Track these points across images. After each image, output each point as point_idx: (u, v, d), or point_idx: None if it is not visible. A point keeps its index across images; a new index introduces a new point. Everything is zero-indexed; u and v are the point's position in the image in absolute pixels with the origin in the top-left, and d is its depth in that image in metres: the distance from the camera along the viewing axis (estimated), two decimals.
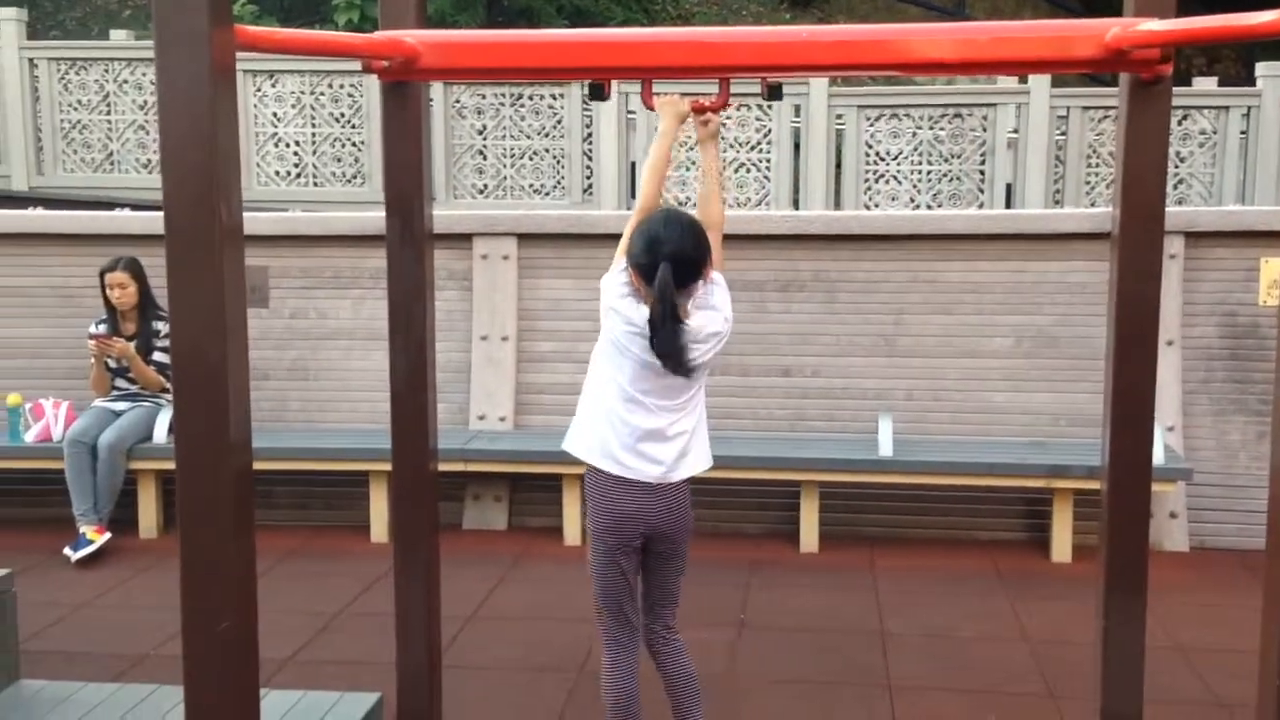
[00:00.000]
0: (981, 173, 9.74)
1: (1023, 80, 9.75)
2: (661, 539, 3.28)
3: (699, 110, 3.29)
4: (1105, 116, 9.72)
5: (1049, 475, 5.57)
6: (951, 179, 9.75)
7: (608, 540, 3.23)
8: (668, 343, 3.01)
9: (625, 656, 3.28)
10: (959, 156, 9.73)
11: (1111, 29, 2.61)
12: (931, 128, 9.74)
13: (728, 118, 9.83)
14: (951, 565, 5.58)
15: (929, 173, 9.75)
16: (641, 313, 3.06)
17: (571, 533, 5.90)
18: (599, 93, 3.10)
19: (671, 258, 2.99)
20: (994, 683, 4.27)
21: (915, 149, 9.77)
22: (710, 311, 3.16)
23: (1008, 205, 9.61)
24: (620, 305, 3.11)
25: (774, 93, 3.10)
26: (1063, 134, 9.82)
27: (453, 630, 4.60)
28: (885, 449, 5.65)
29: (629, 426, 3.15)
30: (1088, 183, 9.82)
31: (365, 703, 3.38)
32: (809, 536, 5.80)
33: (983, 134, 9.71)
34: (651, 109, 3.27)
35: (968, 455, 5.70)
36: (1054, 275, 6.06)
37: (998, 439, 5.98)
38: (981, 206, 9.55)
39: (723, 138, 9.82)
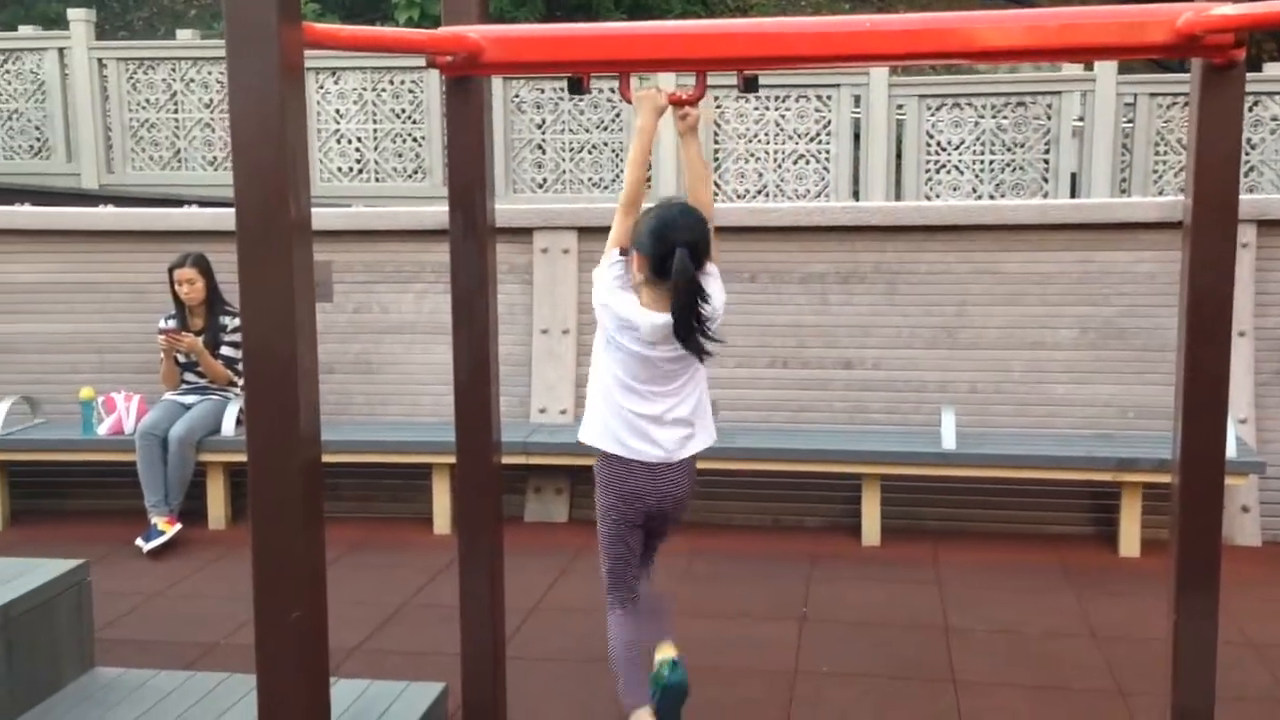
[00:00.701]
0: (1046, 162, 9.60)
1: (1088, 67, 9.60)
2: (660, 516, 3.45)
3: (677, 103, 3.28)
4: (1174, 103, 9.55)
5: (1117, 469, 5.48)
6: (1014, 169, 9.62)
7: (614, 517, 3.40)
8: (687, 327, 3.11)
9: (629, 616, 3.50)
10: (1022, 146, 9.60)
11: (1183, 14, 2.56)
12: (994, 116, 9.62)
13: (787, 109, 9.79)
14: (1017, 560, 5.51)
15: (991, 162, 9.64)
16: (630, 305, 3.18)
17: None
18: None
19: (688, 245, 3.10)
20: (1061, 679, 4.22)
21: (977, 138, 9.66)
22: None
23: (1072, 195, 9.47)
24: (612, 300, 3.21)
25: (750, 85, 3.08)
26: (1130, 121, 9.66)
27: (516, 622, 4.63)
28: (948, 442, 5.60)
29: (628, 413, 3.28)
30: (1155, 171, 9.64)
31: (430, 692, 3.42)
32: (871, 530, 5.76)
33: (1047, 122, 9.57)
34: (629, 103, 3.26)
35: (1033, 448, 5.63)
36: (1121, 265, 5.96)
37: (1063, 432, 5.90)
38: (1046, 196, 9.41)
39: (781, 129, 9.79)
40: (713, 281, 3.26)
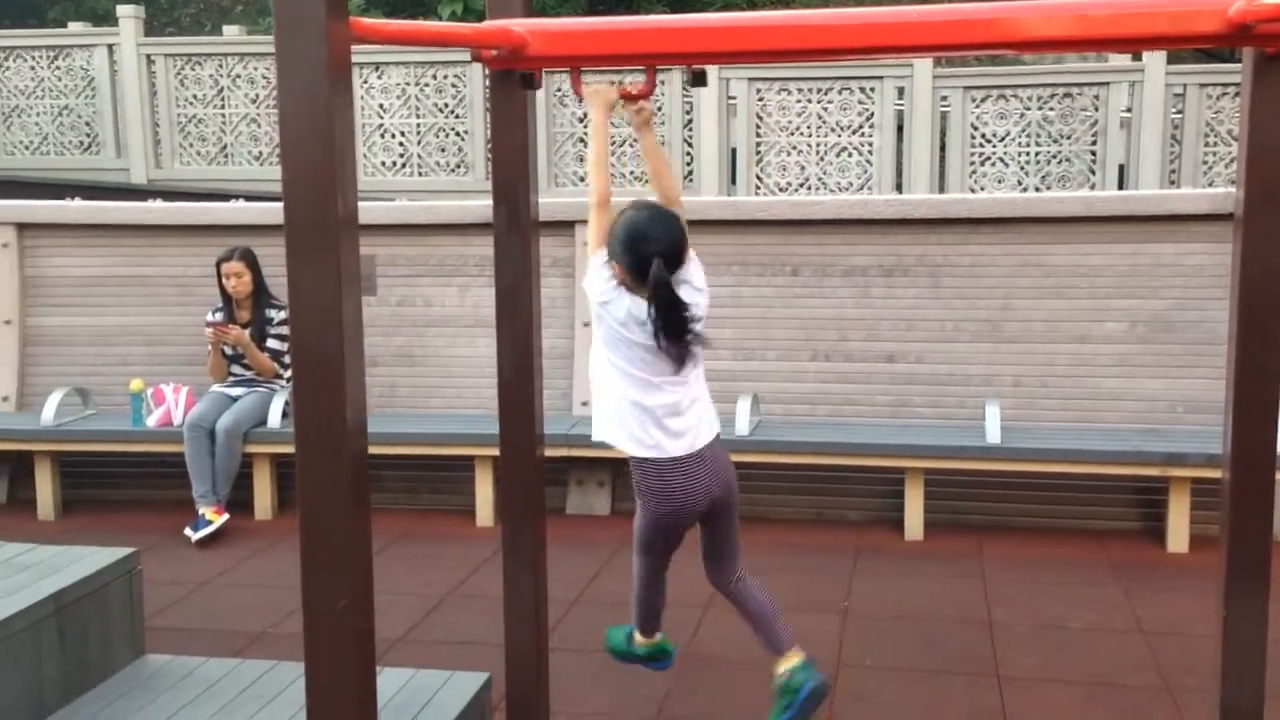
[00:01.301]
0: (1093, 153, 9.50)
1: (1136, 57, 9.48)
2: (717, 504, 3.39)
3: (627, 98, 3.24)
4: (1224, 94, 9.40)
5: (1165, 463, 5.42)
6: (1061, 160, 9.52)
7: (663, 520, 3.36)
8: (672, 334, 3.12)
9: (656, 581, 3.54)
10: (1069, 137, 9.50)
11: (1235, 3, 2.53)
12: (1040, 108, 9.53)
13: (830, 101, 9.74)
14: (1061, 555, 5.47)
15: (1037, 154, 9.54)
16: (630, 301, 3.16)
17: None
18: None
19: (662, 254, 3.10)
20: (1107, 675, 4.18)
21: (1023, 130, 9.56)
22: (687, 287, 3.23)
23: (1120, 187, 9.36)
24: (613, 298, 3.19)
25: (698, 79, 3.07)
26: (1179, 112, 9.53)
27: (558, 613, 4.65)
28: (993, 435, 5.56)
29: (649, 408, 3.24)
30: (1205, 162, 9.51)
31: (474, 682, 3.44)
32: (914, 524, 5.73)
33: (1094, 113, 9.46)
34: (581, 99, 3.25)
35: (1078, 442, 5.58)
36: (1170, 258, 5.89)
37: (1110, 426, 5.84)
38: (1093, 188, 9.31)
39: (823, 121, 9.75)
40: (694, 275, 3.25)
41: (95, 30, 11.59)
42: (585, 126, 10.20)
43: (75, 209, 7.05)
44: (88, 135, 11.18)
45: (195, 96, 10.81)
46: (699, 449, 3.32)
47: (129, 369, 6.55)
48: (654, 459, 3.29)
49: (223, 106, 10.80)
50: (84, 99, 11.15)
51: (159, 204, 7.55)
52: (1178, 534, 5.50)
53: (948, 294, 6.08)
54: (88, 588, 3.46)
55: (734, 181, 9.95)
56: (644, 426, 3.26)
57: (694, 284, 3.25)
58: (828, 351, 6.17)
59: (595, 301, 3.23)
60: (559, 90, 10.19)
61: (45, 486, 6.33)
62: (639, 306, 3.17)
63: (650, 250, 3.09)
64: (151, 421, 6.19)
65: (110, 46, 10.99)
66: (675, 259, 3.15)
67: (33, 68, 11.16)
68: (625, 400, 3.25)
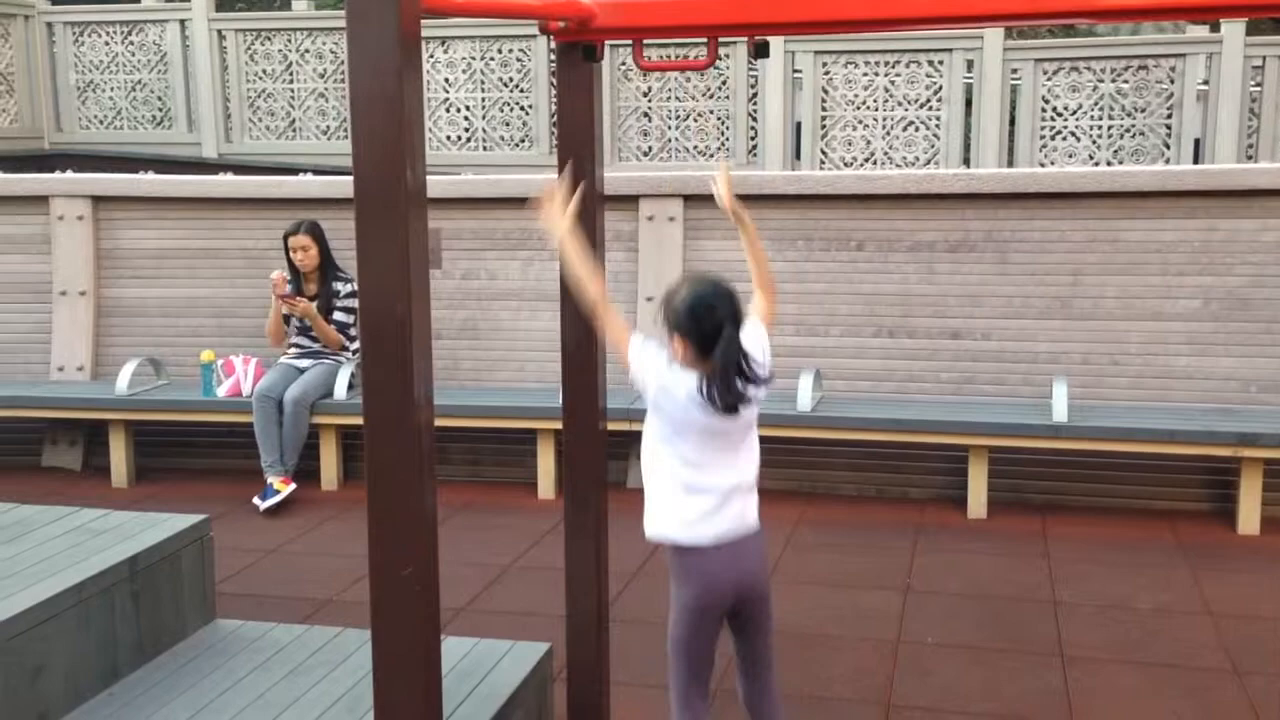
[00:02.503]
0: (1167, 127, 9.28)
1: (1215, 28, 9.23)
2: (754, 598, 3.07)
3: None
4: None
5: (1238, 443, 5.32)
6: (1134, 134, 9.32)
7: (703, 613, 3.00)
8: (725, 393, 2.84)
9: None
10: (1143, 110, 9.29)
11: None
12: (1114, 80, 9.32)
13: (897, 75, 9.61)
14: (1128, 535, 5.39)
15: (1110, 128, 9.35)
16: (696, 379, 2.87)
17: None
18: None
19: (732, 320, 2.84)
20: (1174, 656, 4.13)
21: (1095, 103, 9.37)
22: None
23: (1195, 161, 9.14)
24: (674, 383, 2.90)
25: (761, 50, 3.00)
26: (1258, 85, 9.27)
27: (618, 586, 4.68)
28: (1059, 414, 5.48)
29: (702, 493, 2.96)
30: None
31: (536, 652, 3.48)
32: (977, 502, 5.68)
33: (1169, 86, 9.24)
34: (644, 69, 3.11)
35: (1148, 421, 5.48)
36: (1246, 234, 5.75)
37: (1180, 405, 5.74)
38: (1167, 163, 9.10)
39: (890, 95, 9.62)
40: (758, 336, 3.04)
41: (168, 5, 11.75)
42: (649, 100, 10.18)
43: (148, 182, 7.18)
44: (160, 110, 11.36)
45: (264, 71, 10.93)
46: (752, 528, 3.04)
47: (200, 340, 6.67)
48: (701, 545, 2.97)
49: (291, 81, 10.91)
50: (157, 74, 11.32)
51: (229, 178, 7.66)
52: (1248, 515, 5.39)
53: (1015, 270, 5.99)
54: (161, 553, 3.55)
55: (798, 156, 9.87)
56: (707, 512, 2.97)
57: (760, 347, 3.02)
58: (892, 328, 6.12)
59: (656, 386, 2.92)
60: (623, 64, 10.16)
61: (119, 454, 6.48)
62: (703, 382, 2.88)
63: (719, 318, 2.85)
64: (221, 392, 6.30)
65: (182, 22, 11.13)
66: (739, 325, 2.89)
67: (107, 43, 11.35)
68: (685, 487, 2.96)
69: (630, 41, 2.99)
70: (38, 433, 6.82)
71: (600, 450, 3.34)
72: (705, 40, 3.01)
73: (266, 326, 6.36)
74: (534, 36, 10.19)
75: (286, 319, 6.33)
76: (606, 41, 3.14)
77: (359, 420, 2.23)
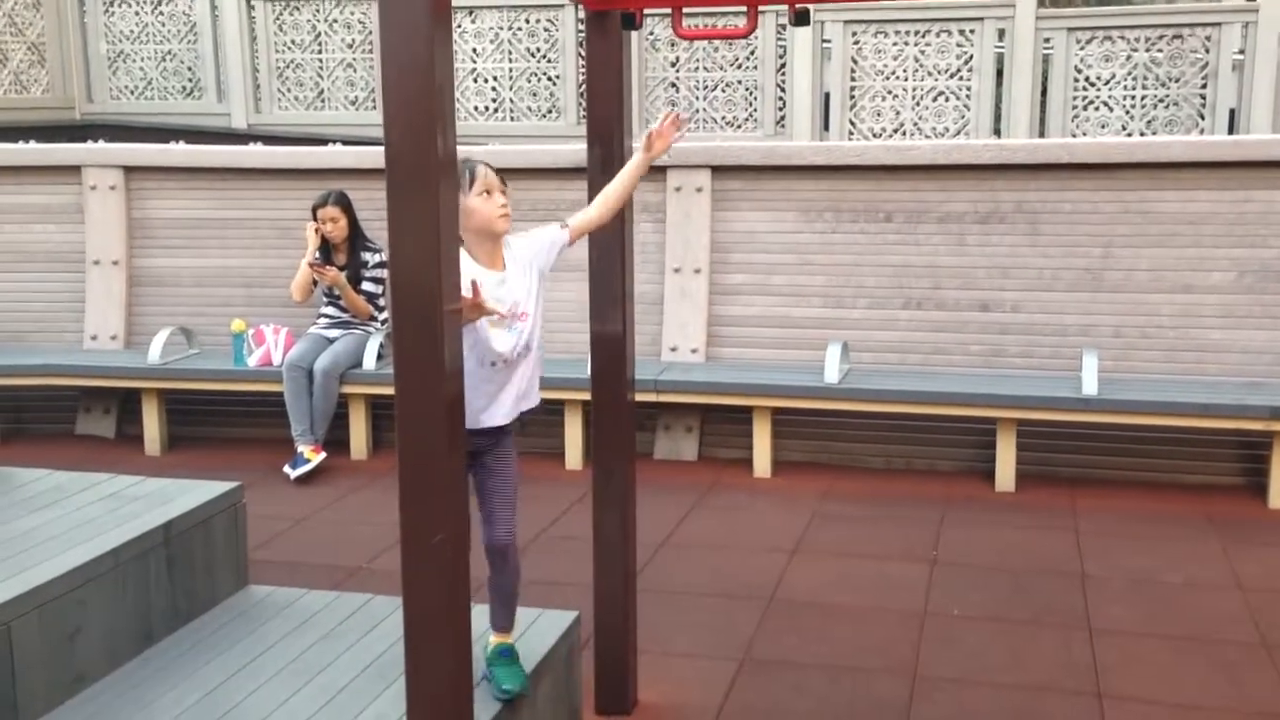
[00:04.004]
0: (1202, 97, 9.16)
1: None
2: None
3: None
4: None
5: (1270, 417, 5.27)
6: (1168, 104, 9.21)
7: None
8: None
9: None
10: (1177, 80, 9.18)
11: None
12: (1148, 50, 9.20)
13: (928, 44, 9.52)
14: (1158, 508, 5.36)
15: (1143, 98, 9.24)
16: None
17: (761, 464, 5.93)
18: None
19: None
20: (1203, 630, 4.11)
21: (1129, 73, 9.26)
22: None
23: (1230, 131, 9.02)
24: None
25: (801, 19, 2.97)
26: None
27: (645, 556, 4.70)
28: (1089, 387, 5.45)
29: None
30: None
31: (564, 620, 3.50)
32: (1005, 475, 5.66)
33: (1205, 55, 9.12)
34: (683, 37, 3.07)
35: (1179, 395, 5.44)
36: None
37: (1213, 379, 5.69)
38: (1201, 133, 8.99)
39: (920, 64, 9.54)
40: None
41: None
42: (677, 70, 10.13)
43: (179, 152, 7.21)
44: (190, 80, 11.40)
45: (293, 42, 10.94)
46: None
47: (231, 309, 6.71)
48: None
49: (320, 52, 10.92)
50: (186, 44, 11.35)
51: (259, 148, 7.69)
52: None
53: (1046, 241, 5.95)
54: (195, 519, 3.59)
55: (826, 127, 9.80)
56: None
57: None
58: (920, 299, 6.09)
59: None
60: (650, 34, 10.11)
61: (152, 422, 6.55)
62: None
63: None
64: (252, 361, 6.35)
65: None
66: None
67: (137, 13, 11.39)
68: None
69: (668, 10, 2.97)
70: (72, 401, 6.90)
71: (628, 421, 3.36)
72: (728, 10, 2.99)
73: (293, 283, 6.33)
74: (561, 6, 10.14)
75: (315, 286, 6.35)
76: (644, 10, 3.12)
77: (388, 390, 2.26)
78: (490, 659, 3.07)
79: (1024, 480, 5.67)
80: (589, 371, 3.49)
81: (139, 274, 7.01)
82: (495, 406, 3.01)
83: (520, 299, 3.01)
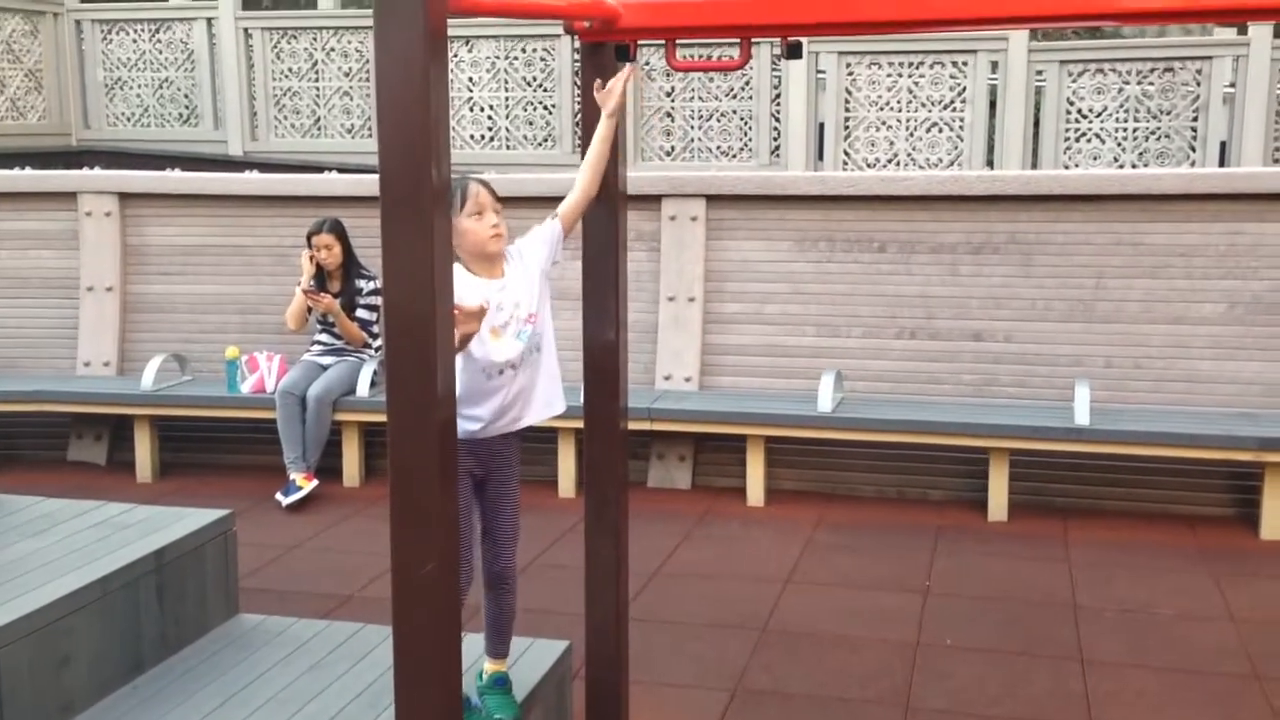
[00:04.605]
0: (1194, 130, 9.23)
1: (1242, 30, 9.18)
2: None
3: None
4: None
5: (1260, 448, 5.29)
6: (1160, 137, 9.27)
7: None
8: None
9: None
10: (1169, 113, 9.24)
11: None
12: (1139, 82, 9.28)
13: (921, 76, 9.60)
14: (1150, 540, 5.37)
15: (1135, 130, 9.30)
16: None
17: (754, 493, 5.93)
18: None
19: None
20: (1195, 662, 4.11)
21: (1121, 105, 9.33)
22: None
23: (1221, 164, 9.09)
24: None
25: (793, 51, 3.00)
26: None
27: (638, 585, 4.69)
28: (1081, 417, 5.46)
29: None
30: None
31: (555, 649, 3.49)
32: (998, 505, 5.67)
33: (1196, 88, 9.19)
34: (676, 69, 3.12)
35: (1171, 425, 5.46)
36: (1272, 238, 5.72)
37: (1203, 409, 5.71)
38: (1193, 165, 9.05)
39: (914, 96, 9.60)
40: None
41: (195, 4, 11.82)
42: (672, 100, 10.19)
43: (174, 179, 7.23)
44: (187, 107, 11.44)
45: (290, 70, 10.99)
46: None
47: (225, 336, 6.71)
48: None
49: (316, 80, 10.97)
50: (183, 72, 11.40)
51: (255, 175, 7.71)
52: (1272, 520, 5.36)
53: (1039, 272, 5.97)
54: (186, 546, 3.57)
55: (821, 157, 9.85)
56: None
57: None
58: (913, 329, 6.11)
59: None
60: (646, 64, 10.17)
61: (144, 449, 6.53)
62: None
63: None
64: (245, 388, 6.35)
65: (209, 20, 11.20)
66: None
67: (134, 40, 11.44)
68: None
69: (662, 41, 2.99)
70: (63, 427, 6.88)
71: (621, 450, 3.36)
72: (722, 41, 3.02)
73: (287, 310, 6.36)
74: (558, 36, 10.20)
75: (310, 314, 6.36)
76: (639, 41, 3.15)
77: (381, 417, 2.25)
78: (484, 688, 3.06)
79: (1016, 510, 5.67)
80: (582, 399, 3.48)
81: (133, 300, 7.02)
82: (509, 412, 3.13)
83: (523, 300, 3.06)
